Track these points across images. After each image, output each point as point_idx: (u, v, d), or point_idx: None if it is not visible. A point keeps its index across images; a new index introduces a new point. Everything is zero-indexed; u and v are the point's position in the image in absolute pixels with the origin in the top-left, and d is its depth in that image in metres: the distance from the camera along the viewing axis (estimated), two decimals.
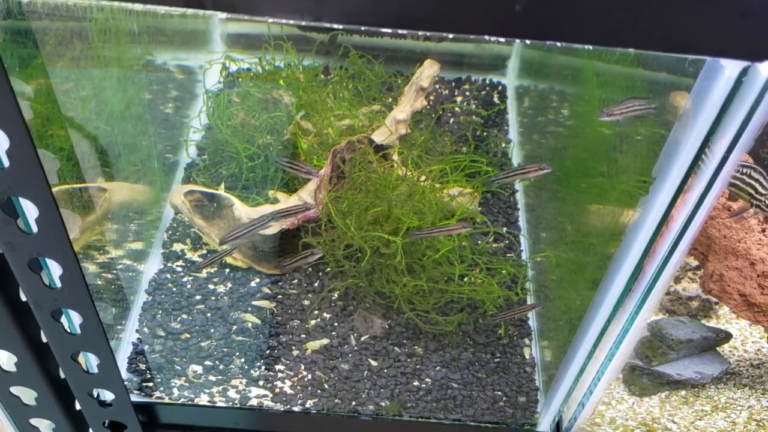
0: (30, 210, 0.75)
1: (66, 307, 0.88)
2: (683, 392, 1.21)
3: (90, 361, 1.01)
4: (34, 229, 0.76)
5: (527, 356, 1.22)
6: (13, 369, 1.00)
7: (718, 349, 1.21)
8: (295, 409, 1.16)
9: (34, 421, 1.12)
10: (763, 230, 1.03)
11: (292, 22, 0.59)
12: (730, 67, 0.63)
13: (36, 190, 0.71)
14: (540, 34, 0.60)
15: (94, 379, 1.03)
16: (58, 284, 0.84)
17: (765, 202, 0.84)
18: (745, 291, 1.04)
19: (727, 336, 1.18)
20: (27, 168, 0.69)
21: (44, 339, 0.98)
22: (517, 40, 0.71)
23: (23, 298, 0.90)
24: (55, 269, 0.83)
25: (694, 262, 1.18)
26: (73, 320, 0.93)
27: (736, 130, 0.68)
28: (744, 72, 0.63)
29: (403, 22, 0.60)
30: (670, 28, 0.57)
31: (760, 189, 0.83)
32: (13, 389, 1.05)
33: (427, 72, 1.33)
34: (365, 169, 1.20)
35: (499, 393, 1.18)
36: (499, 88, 1.70)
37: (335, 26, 0.60)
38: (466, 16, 0.58)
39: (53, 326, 0.92)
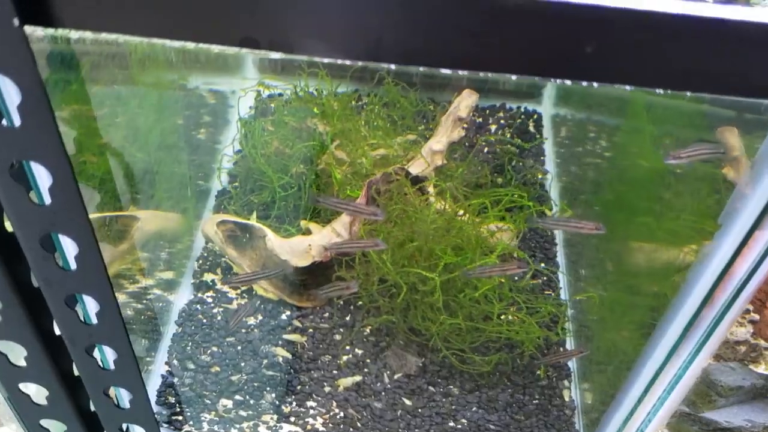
0: (69, 247, 0.72)
1: (101, 343, 0.86)
2: None
3: (122, 395, 0.98)
4: (73, 266, 0.74)
5: (567, 399, 1.17)
6: (44, 402, 0.97)
7: None
8: None
9: None
10: None
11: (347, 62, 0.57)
12: None
13: (77, 228, 0.69)
14: (608, 77, 0.57)
15: (126, 414, 1.00)
16: (94, 320, 0.82)
17: None
18: None
19: None
20: (68, 205, 0.67)
21: (76, 373, 0.96)
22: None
23: (57, 332, 0.88)
24: (91, 305, 0.81)
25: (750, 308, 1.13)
26: (107, 356, 0.90)
27: None
28: None
29: (465, 62, 0.57)
30: (750, 72, 0.54)
31: None
32: (43, 422, 1.03)
33: (466, 102, 1.30)
34: (401, 201, 1.17)
35: None
36: (535, 116, 1.67)
37: (391, 66, 0.58)
38: (534, 59, 0.55)
39: (87, 361, 0.89)
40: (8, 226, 0.73)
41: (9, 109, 0.61)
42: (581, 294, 1.21)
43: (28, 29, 0.53)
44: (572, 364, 1.21)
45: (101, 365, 0.90)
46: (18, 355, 0.89)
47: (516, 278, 1.24)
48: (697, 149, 0.76)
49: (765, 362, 1.19)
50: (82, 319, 0.82)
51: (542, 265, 1.31)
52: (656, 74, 0.56)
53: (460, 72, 1.61)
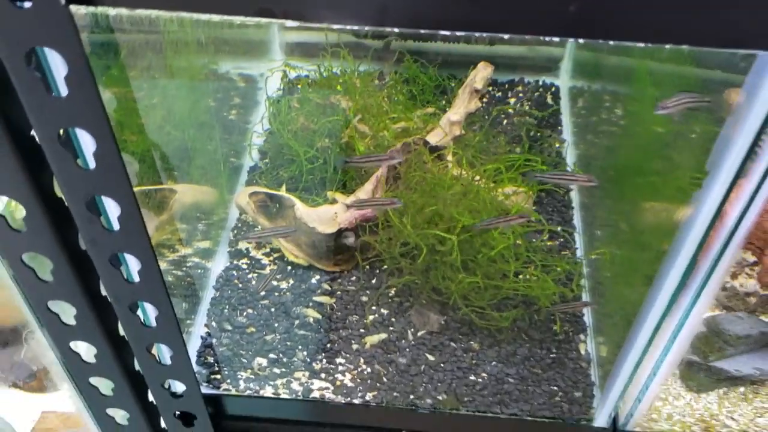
0: (112, 209, 0.80)
1: (143, 299, 0.93)
2: (742, 389, 1.20)
3: (163, 353, 1.06)
4: (116, 226, 0.81)
5: (583, 352, 1.22)
6: (93, 360, 1.06)
7: None
8: (355, 401, 1.19)
9: (110, 411, 1.17)
10: None
11: (355, 27, 0.62)
12: None
13: (119, 190, 0.77)
14: (593, 33, 0.62)
15: (167, 371, 1.08)
16: (136, 278, 0.89)
17: None
18: None
19: None
20: (111, 169, 0.74)
21: (121, 332, 1.04)
22: (570, 40, 0.73)
23: (104, 292, 0.96)
24: (133, 264, 0.88)
25: (752, 258, 1.17)
26: (148, 313, 0.98)
27: None
28: None
29: (464, 24, 0.62)
30: (721, 24, 0.59)
31: None
32: (92, 380, 1.12)
33: (481, 74, 1.35)
34: (420, 169, 1.23)
35: (555, 388, 1.19)
36: (552, 89, 1.71)
37: (395, 30, 0.63)
38: (525, 18, 0.60)
39: (130, 319, 0.97)
40: (57, 192, 0.81)
41: (57, 81, 0.68)
42: (595, 252, 1.26)
43: (73, 8, 0.60)
44: (587, 319, 1.26)
45: (143, 322, 0.98)
46: (68, 315, 0.98)
47: (533, 240, 1.30)
48: (681, 99, 0.81)
49: None
50: (125, 277, 0.90)
51: (559, 228, 1.36)
52: (643, 29, 0.61)
53: (477, 47, 1.64)
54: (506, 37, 0.62)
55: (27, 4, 0.60)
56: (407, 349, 1.22)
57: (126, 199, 0.79)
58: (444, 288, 1.21)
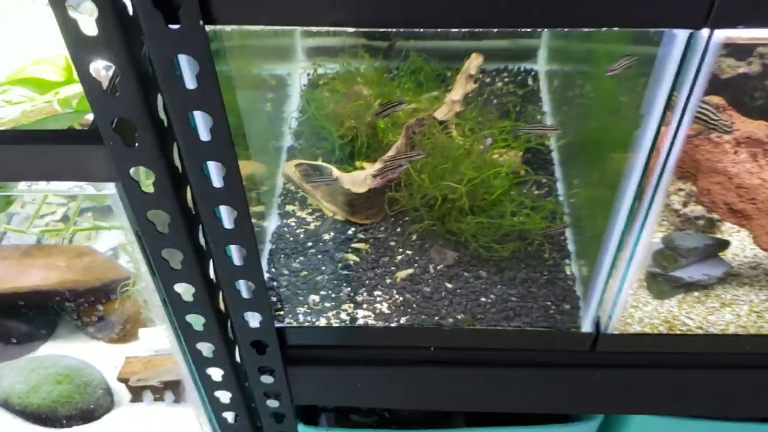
0: (218, 171, 1.08)
1: (234, 242, 1.21)
2: (696, 293, 1.50)
3: (245, 288, 1.35)
4: (220, 184, 1.11)
5: (568, 273, 1.52)
6: (191, 299, 1.34)
7: (720, 255, 1.50)
8: (392, 325, 1.49)
9: (199, 346, 1.46)
10: (735, 152, 1.32)
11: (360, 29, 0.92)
12: (681, 35, 0.93)
13: (226, 156, 1.06)
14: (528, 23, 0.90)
15: (248, 304, 1.36)
16: (230, 226, 1.18)
17: (717, 124, 1.14)
18: (728, 200, 1.32)
19: (725, 243, 1.47)
20: (221, 141, 1.03)
21: (212, 275, 1.33)
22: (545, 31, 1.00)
23: (202, 241, 1.24)
24: (227, 214, 1.17)
25: (694, 188, 1.46)
26: (235, 256, 1.26)
27: (692, 80, 0.98)
28: (690, 37, 0.93)
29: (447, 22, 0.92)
30: (627, 9, 0.88)
31: (711, 116, 1.13)
32: (188, 317, 1.40)
33: (474, 63, 1.65)
34: (431, 138, 1.53)
35: (549, 303, 1.49)
36: (532, 73, 2.01)
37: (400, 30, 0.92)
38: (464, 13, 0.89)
39: (223, 260, 1.26)
40: (176, 162, 1.10)
41: (185, 77, 0.97)
42: (571, 192, 1.57)
43: (208, 27, 0.89)
44: (570, 246, 1.56)
45: (233, 263, 1.26)
46: (176, 260, 1.27)
47: (524, 190, 1.60)
48: (622, 62, 1.11)
49: (720, 232, 1.52)
50: (223, 226, 1.17)
51: (543, 181, 1.67)
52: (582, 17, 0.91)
53: (468, 43, 1.97)
54: (495, 30, 0.92)
55: (176, 27, 0.89)
56: (430, 281, 1.52)
57: (230, 163, 1.08)
58: (456, 229, 1.50)
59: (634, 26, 0.90)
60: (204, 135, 1.03)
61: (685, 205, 1.52)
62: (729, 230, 1.56)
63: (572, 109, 1.73)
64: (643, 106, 1.05)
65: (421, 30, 1.88)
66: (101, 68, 0.97)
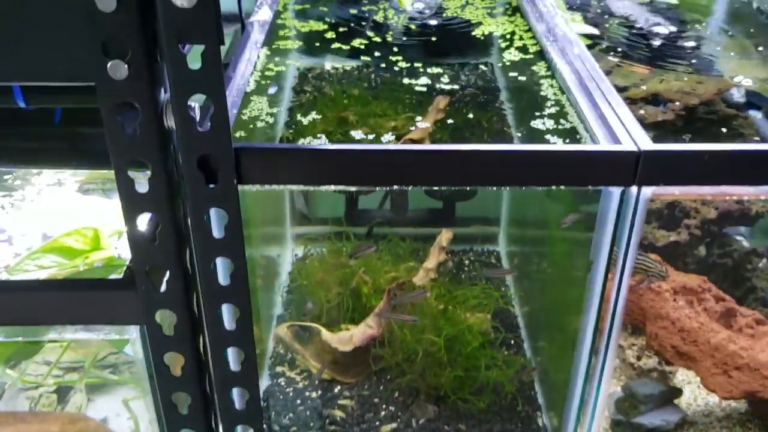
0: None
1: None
2: None
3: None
4: (230, 326, 1.25)
5: (540, 423, 1.64)
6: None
7: (675, 402, 1.64)
8: None
9: None
10: (674, 299, 1.52)
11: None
12: (615, 192, 1.17)
13: (242, 301, 1.21)
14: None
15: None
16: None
17: (654, 271, 1.34)
18: (674, 343, 1.49)
19: (678, 390, 1.61)
20: (239, 285, 1.20)
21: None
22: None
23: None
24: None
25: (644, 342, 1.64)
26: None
27: (628, 231, 1.20)
28: (623, 193, 1.16)
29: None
30: (573, 173, 1.12)
31: (648, 264, 1.34)
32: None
33: (445, 236, 1.87)
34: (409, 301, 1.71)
35: None
36: (495, 253, 2.26)
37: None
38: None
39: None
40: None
41: (213, 227, 1.15)
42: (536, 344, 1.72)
43: (240, 187, 1.10)
44: (540, 399, 1.68)
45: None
46: (184, 405, 1.35)
47: (495, 349, 1.75)
48: (570, 217, 1.34)
49: (673, 382, 1.68)
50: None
51: (512, 341, 1.83)
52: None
53: (436, 230, 2.17)
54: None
55: (213, 186, 1.09)
56: None
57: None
58: (436, 384, 1.63)
59: (578, 185, 1.14)
60: (223, 279, 1.19)
61: (638, 358, 1.68)
62: (681, 382, 1.72)
63: (529, 280, 1.95)
64: (591, 252, 1.26)
65: (398, 217, 2.13)
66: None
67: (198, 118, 1.05)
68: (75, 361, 1.91)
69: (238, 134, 1.27)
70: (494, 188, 1.56)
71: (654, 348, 1.52)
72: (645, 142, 1.12)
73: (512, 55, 1.57)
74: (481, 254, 2.23)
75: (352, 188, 1.14)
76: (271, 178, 1.13)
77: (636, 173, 1.11)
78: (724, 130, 1.46)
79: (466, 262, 2.18)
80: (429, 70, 1.54)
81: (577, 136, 1.27)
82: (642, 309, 1.52)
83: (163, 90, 1.03)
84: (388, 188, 2.18)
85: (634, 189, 1.15)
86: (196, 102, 1.06)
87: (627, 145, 1.12)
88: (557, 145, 1.20)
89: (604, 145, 1.15)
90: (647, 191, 1.15)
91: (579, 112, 1.29)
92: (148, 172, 1.07)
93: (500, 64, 1.61)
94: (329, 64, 1.65)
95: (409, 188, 2.09)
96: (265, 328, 1.84)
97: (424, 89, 1.48)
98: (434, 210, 2.17)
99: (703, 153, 1.10)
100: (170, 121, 1.05)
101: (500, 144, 1.12)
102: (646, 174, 1.12)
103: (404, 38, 1.74)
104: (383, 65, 1.57)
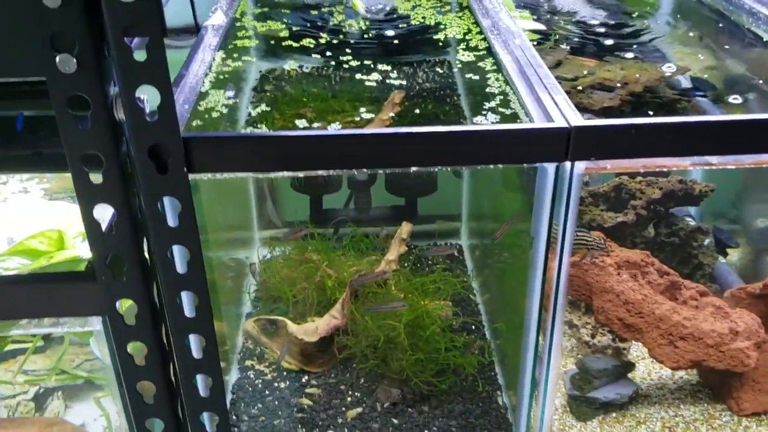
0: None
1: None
2: (614, 414, 1.66)
3: (208, 420, 1.44)
4: (189, 313, 1.28)
5: (501, 403, 1.67)
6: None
7: (629, 376, 1.68)
8: None
9: None
10: (618, 273, 1.57)
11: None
12: (550, 167, 1.22)
13: (200, 289, 1.24)
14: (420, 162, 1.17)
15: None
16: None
17: (593, 244, 1.39)
18: (620, 315, 1.54)
19: (631, 365, 1.66)
20: (196, 273, 1.23)
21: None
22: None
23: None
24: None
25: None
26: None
27: (565, 206, 1.25)
28: (558, 169, 1.21)
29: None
30: (510, 151, 1.17)
31: (587, 239, 1.38)
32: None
33: (405, 228, 1.91)
34: (371, 288, 1.75)
35: (486, 431, 1.62)
36: (458, 246, 2.30)
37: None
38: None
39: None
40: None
41: (168, 216, 1.18)
42: (492, 326, 1.77)
43: (190, 176, 1.13)
44: (500, 379, 1.72)
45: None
46: (149, 395, 1.38)
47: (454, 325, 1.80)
48: (503, 228, 1.38)
49: (627, 358, 1.72)
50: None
51: (469, 321, 1.87)
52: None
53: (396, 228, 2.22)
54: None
55: (164, 175, 1.12)
56: (378, 418, 1.64)
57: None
58: (399, 367, 1.66)
59: (514, 162, 1.19)
60: (180, 267, 1.22)
61: (593, 336, 1.73)
62: (635, 358, 1.77)
63: (489, 269, 2.00)
64: (532, 229, 1.30)
65: (362, 215, 2.17)
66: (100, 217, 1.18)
67: (147, 110, 1.09)
68: (49, 369, 1.92)
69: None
70: (455, 184, 1.60)
71: (601, 321, 1.57)
72: (576, 119, 1.17)
73: (464, 51, 1.63)
74: (446, 248, 2.27)
75: (300, 174, 1.18)
76: (221, 166, 1.17)
77: (568, 149, 1.16)
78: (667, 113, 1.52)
79: (431, 257, 2.22)
80: (385, 68, 1.59)
81: (518, 120, 1.32)
82: (588, 284, 1.57)
83: (112, 84, 1.07)
84: (350, 189, 2.24)
85: (567, 165, 1.20)
86: (145, 94, 1.10)
87: (559, 122, 1.17)
88: (493, 124, 1.24)
89: (538, 123, 1.19)
90: (580, 166, 1.20)
91: (519, 98, 1.35)
92: None
93: (453, 60, 1.66)
94: (289, 65, 1.69)
95: (371, 187, 2.14)
96: (234, 325, 1.87)
97: (381, 86, 1.52)
98: (398, 207, 2.21)
99: (630, 127, 1.16)
100: (120, 113, 1.09)
101: (437, 126, 1.16)
102: (578, 149, 1.17)
103: (361, 38, 1.79)
104: (341, 65, 1.62)
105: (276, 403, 1.67)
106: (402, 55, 1.73)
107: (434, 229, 2.34)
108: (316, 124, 1.38)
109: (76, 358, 1.96)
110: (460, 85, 1.60)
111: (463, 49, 1.63)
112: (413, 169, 1.18)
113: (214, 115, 1.35)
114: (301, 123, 1.41)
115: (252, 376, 1.75)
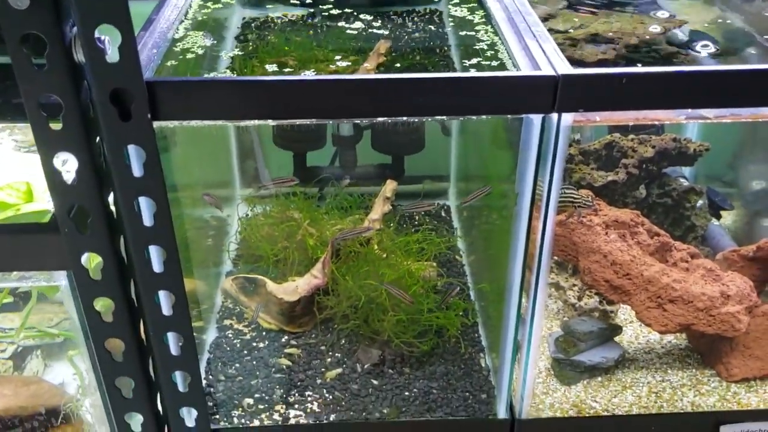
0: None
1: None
2: (599, 378, 1.63)
3: (181, 380, 1.40)
4: (158, 269, 1.23)
5: (483, 365, 1.64)
6: (130, 396, 1.38)
7: (616, 339, 1.65)
8: (322, 422, 1.55)
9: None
10: (606, 233, 1.52)
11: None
12: (536, 119, 1.16)
13: (168, 243, 1.19)
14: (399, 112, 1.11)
15: (184, 398, 1.42)
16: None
17: (580, 201, 1.34)
18: (606, 277, 1.50)
19: (618, 327, 1.63)
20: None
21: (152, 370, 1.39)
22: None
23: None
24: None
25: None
26: (170, 343, 1.34)
27: (552, 160, 1.20)
28: (544, 120, 1.16)
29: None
30: (496, 102, 1.11)
31: (574, 196, 1.33)
32: (126, 416, 1.43)
33: (389, 187, 1.86)
34: (353, 247, 1.70)
35: (467, 394, 1.58)
36: (445, 207, 2.26)
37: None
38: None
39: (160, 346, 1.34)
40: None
41: (134, 166, 1.12)
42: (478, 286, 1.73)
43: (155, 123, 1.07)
44: (483, 341, 1.69)
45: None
46: (118, 352, 1.34)
47: (436, 287, 1.75)
48: (475, 194, 1.33)
49: (612, 321, 1.69)
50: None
51: (453, 282, 1.83)
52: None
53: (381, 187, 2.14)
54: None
55: (128, 121, 1.07)
56: (358, 379, 1.61)
57: (170, 248, 1.20)
58: (379, 328, 1.63)
59: (499, 113, 1.13)
60: (147, 220, 1.17)
61: (579, 299, 1.69)
62: (623, 321, 1.73)
63: (475, 230, 1.95)
64: (516, 185, 1.25)
65: (346, 173, 2.11)
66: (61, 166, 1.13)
67: (109, 52, 1.03)
68: (29, 327, 1.88)
69: None
70: (444, 143, 1.53)
71: (588, 283, 1.53)
72: (563, 68, 1.12)
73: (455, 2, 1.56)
74: (435, 209, 2.22)
75: (271, 122, 1.12)
76: (189, 113, 1.11)
77: (555, 99, 1.11)
78: None
79: (416, 216, 2.17)
80: (373, 18, 1.53)
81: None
82: (575, 244, 1.52)
83: (71, 24, 1.01)
84: (336, 147, 2.17)
85: (554, 116, 1.15)
86: (106, 36, 1.03)
87: (546, 71, 1.12)
88: (478, 72, 1.18)
89: (524, 71, 1.14)
90: (567, 118, 1.15)
91: (507, 48, 1.28)
92: None
93: (444, 10, 1.60)
94: (273, 13, 1.63)
95: (357, 144, 2.07)
96: (213, 284, 1.83)
97: (368, 36, 1.46)
98: (384, 165, 2.15)
99: (620, 76, 1.10)
100: (80, 55, 1.03)
101: (420, 73, 1.11)
102: (566, 99, 1.11)
103: None
104: (329, 14, 1.55)
105: (254, 363, 1.64)
106: (391, 5, 1.66)
107: (422, 189, 2.28)
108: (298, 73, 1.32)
109: (55, 317, 1.92)
110: (451, 35, 1.53)
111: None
112: (390, 120, 1.12)
113: (189, 56, 1.29)
114: (283, 72, 1.35)
115: (230, 335, 1.71)
